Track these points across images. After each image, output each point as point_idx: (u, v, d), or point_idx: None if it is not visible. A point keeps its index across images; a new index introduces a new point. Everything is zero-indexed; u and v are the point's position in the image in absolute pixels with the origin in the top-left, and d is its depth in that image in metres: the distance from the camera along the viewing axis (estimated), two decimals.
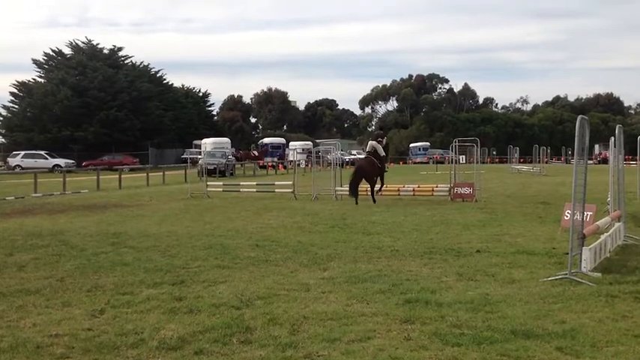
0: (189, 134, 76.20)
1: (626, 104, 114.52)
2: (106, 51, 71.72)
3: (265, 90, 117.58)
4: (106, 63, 68.36)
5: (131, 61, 74.02)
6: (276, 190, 24.80)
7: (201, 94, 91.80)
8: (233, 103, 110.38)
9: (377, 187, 21.39)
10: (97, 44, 71.52)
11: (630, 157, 37.83)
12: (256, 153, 63.03)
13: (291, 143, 68.08)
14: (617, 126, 12.30)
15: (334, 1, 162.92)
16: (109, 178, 32.32)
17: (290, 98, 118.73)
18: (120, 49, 72.97)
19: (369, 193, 21.19)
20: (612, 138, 12.19)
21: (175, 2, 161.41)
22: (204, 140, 58.31)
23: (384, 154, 22.16)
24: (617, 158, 12.15)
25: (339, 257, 10.13)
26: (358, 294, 7.54)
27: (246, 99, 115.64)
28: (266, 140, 73.55)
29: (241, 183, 28.08)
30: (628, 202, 16.14)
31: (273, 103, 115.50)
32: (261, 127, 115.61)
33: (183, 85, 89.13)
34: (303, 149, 53.69)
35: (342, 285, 8.05)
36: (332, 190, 22.98)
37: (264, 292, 7.64)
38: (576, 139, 8.65)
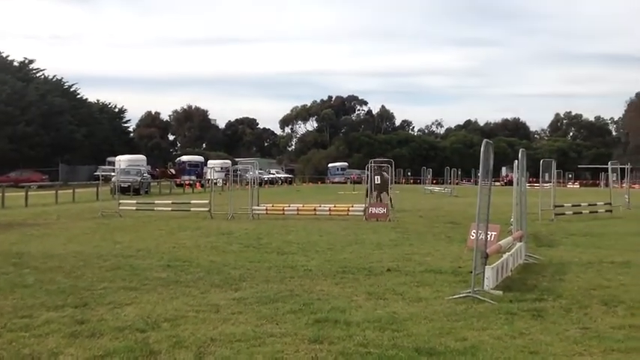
0: (103, 151, 74.04)
1: (531, 129, 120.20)
2: (16, 63, 69.03)
3: (185, 107, 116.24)
4: (16, 76, 65.73)
5: (43, 75, 71.57)
6: (191, 209, 24.46)
7: (117, 109, 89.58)
8: (151, 119, 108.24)
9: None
10: (7, 56, 68.81)
11: (534, 179, 39.57)
12: (173, 171, 62.02)
13: (209, 161, 67.38)
14: (520, 150, 12.86)
15: (257, 20, 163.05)
16: (15, 196, 30.92)
17: (210, 116, 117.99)
18: (31, 61, 70.57)
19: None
20: (516, 161, 12.73)
21: (96, 16, 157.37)
22: (119, 157, 56.90)
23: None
24: (519, 181, 12.68)
25: (252, 277, 10.09)
26: (268, 314, 7.54)
27: (165, 116, 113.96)
28: (184, 158, 72.55)
29: (156, 201, 27.54)
30: (530, 223, 16.88)
31: (193, 120, 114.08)
32: (179, 144, 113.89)
33: (98, 100, 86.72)
34: (221, 168, 53.18)
35: (253, 305, 8.02)
36: (249, 209, 22.89)
37: (171, 314, 7.51)
38: (481, 161, 8.99)
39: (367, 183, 25.61)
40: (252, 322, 7.19)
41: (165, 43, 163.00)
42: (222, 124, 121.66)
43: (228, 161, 67.23)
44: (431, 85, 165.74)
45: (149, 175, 51.28)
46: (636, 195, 37.36)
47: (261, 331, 6.77)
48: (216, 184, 33.08)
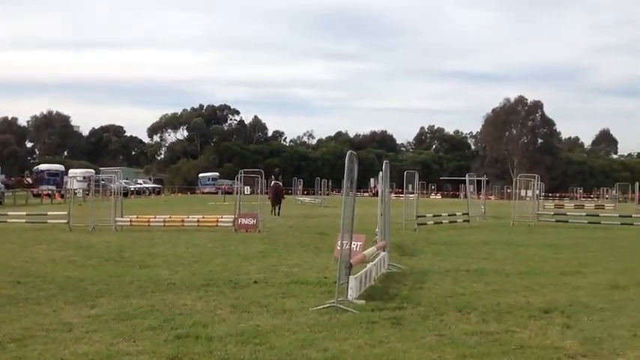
0: None
1: (398, 142, 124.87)
2: None
3: (45, 113, 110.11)
4: None
5: None
6: (48, 221, 23.07)
7: None
8: (6, 125, 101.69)
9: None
10: None
11: (400, 190, 41.11)
12: (30, 180, 58.39)
13: (70, 170, 64.17)
14: (384, 162, 13.25)
15: (125, 24, 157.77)
16: None
17: (73, 123, 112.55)
18: None
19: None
20: (380, 172, 13.09)
21: None
22: None
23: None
24: (384, 191, 13.05)
25: (110, 293, 9.63)
26: (126, 332, 7.20)
27: (22, 122, 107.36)
28: (42, 167, 68.50)
29: (9, 213, 25.70)
30: (394, 233, 17.48)
31: (54, 127, 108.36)
32: (38, 152, 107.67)
33: None
34: (83, 177, 50.76)
35: (110, 323, 7.65)
36: (112, 221, 21.97)
37: (19, 334, 7.00)
38: (345, 173, 9.15)
39: (237, 193, 25.41)
40: (107, 340, 6.84)
41: (21, 46, 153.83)
42: (85, 132, 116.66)
43: (91, 170, 64.30)
44: (302, 97, 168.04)
45: (3, 185, 47.96)
46: (492, 206, 39.80)
47: (116, 350, 6.45)
48: (76, 194, 31.51)
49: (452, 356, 6.34)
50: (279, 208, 32.01)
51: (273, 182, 33.04)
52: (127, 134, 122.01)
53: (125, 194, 44.15)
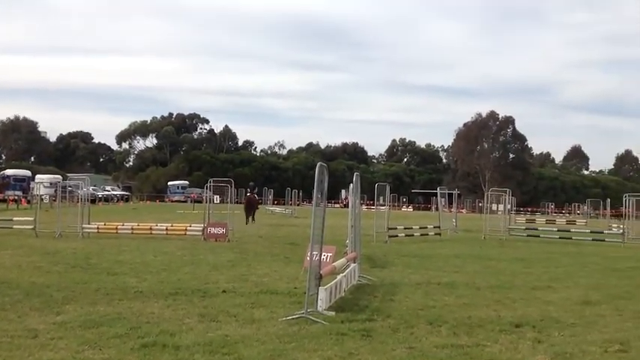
0: None
1: (369, 154, 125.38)
2: None
3: (11, 118, 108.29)
4: None
5: None
6: (14, 227, 22.64)
7: None
8: None
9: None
10: None
11: (371, 202, 41.20)
12: None
13: (37, 176, 63.12)
14: (355, 174, 13.25)
15: (94, 30, 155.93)
16: None
17: (40, 128, 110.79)
18: None
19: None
20: (351, 184, 13.09)
21: None
22: None
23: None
24: (354, 203, 13.04)
25: (77, 300, 9.44)
26: (92, 339, 7.06)
27: None
28: (8, 172, 67.36)
29: None
30: (365, 245, 17.46)
31: (20, 132, 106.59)
32: (4, 157, 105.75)
33: None
34: (50, 183, 49.89)
35: (76, 330, 7.50)
36: (79, 228, 21.62)
37: None
38: (315, 184, 9.11)
39: (207, 202, 25.21)
40: (72, 347, 6.69)
41: None
42: (53, 138, 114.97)
43: (58, 176, 63.33)
44: (273, 107, 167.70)
45: None
46: (463, 219, 40.11)
47: (82, 357, 6.33)
48: (43, 200, 30.98)
49: None
50: (254, 217, 33.65)
51: (248, 195, 35.72)
52: (95, 141, 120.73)
53: (93, 201, 43.59)
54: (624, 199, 29.12)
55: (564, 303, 10.65)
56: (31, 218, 22.18)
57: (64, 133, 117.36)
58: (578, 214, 69.09)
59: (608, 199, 41.45)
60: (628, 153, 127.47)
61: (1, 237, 19.97)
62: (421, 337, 7.68)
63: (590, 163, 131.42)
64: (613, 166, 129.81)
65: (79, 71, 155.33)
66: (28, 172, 67.76)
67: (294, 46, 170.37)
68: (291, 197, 57.13)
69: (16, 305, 8.89)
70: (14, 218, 24.72)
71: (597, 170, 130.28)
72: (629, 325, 8.86)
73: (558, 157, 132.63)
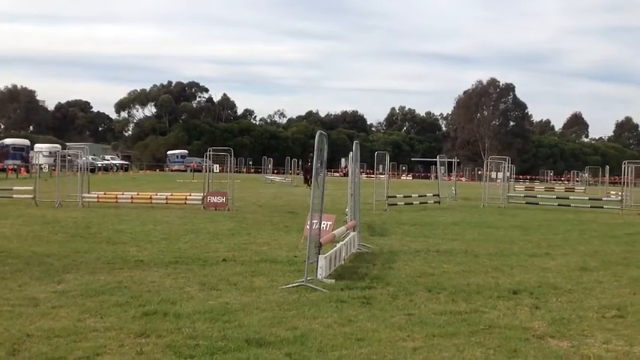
0: None
1: (368, 122, 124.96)
2: None
3: (10, 87, 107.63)
4: None
5: None
6: (14, 196, 22.67)
7: None
8: None
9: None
10: None
11: (371, 170, 41.20)
12: None
13: (36, 145, 62.98)
14: (355, 142, 13.23)
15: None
16: None
17: (38, 97, 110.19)
18: None
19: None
20: (351, 153, 13.06)
21: None
22: None
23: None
24: (354, 172, 13.03)
25: (77, 269, 9.50)
26: (93, 308, 7.11)
27: None
28: (7, 141, 67.11)
29: None
30: (365, 213, 17.53)
31: (19, 101, 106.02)
32: (3, 126, 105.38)
33: None
34: (49, 152, 49.83)
35: (76, 299, 7.55)
36: (78, 197, 21.65)
37: None
38: (315, 152, 9.09)
39: (206, 171, 25.20)
40: (74, 316, 6.74)
41: None
42: (51, 107, 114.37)
43: (58, 145, 63.25)
44: (273, 76, 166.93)
45: None
46: (462, 187, 40.16)
47: (83, 326, 6.36)
48: (42, 169, 30.96)
49: (421, 335, 6.37)
50: (309, 183, 35.45)
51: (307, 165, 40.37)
52: (94, 110, 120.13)
53: (92, 170, 43.54)
54: (623, 167, 29.11)
55: (562, 269, 10.72)
56: (31, 187, 22.18)
57: (62, 102, 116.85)
58: (577, 181, 69.08)
59: (607, 167, 41.43)
60: (628, 120, 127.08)
61: (1, 206, 20.01)
62: (420, 304, 7.74)
63: (589, 130, 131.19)
64: (613, 133, 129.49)
65: (77, 40, 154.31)
66: (27, 142, 67.52)
67: (294, 14, 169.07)
68: (291, 166, 57.08)
69: (16, 274, 8.93)
70: (14, 187, 24.75)
71: (597, 137, 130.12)
72: (626, 291, 8.93)
73: (558, 125, 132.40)
